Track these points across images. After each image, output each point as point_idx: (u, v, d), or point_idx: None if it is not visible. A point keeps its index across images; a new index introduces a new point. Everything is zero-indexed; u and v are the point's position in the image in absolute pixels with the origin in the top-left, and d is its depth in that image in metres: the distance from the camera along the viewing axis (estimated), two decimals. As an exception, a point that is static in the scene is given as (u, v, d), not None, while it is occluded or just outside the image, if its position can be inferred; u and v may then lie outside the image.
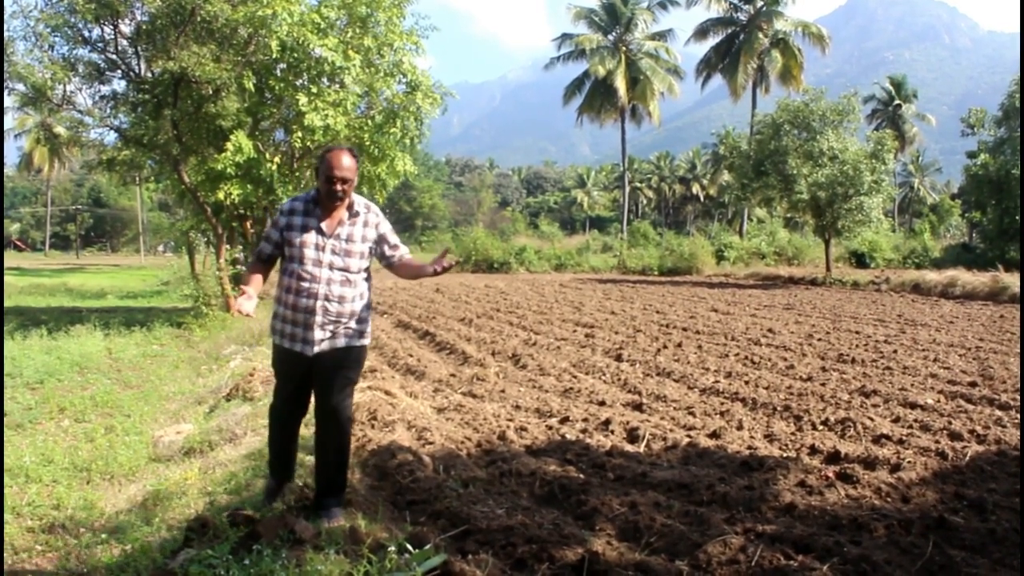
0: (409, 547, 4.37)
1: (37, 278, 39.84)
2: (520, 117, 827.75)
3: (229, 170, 17.35)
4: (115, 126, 19.61)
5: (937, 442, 7.16)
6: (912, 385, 10.00)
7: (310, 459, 5.79)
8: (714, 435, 7.70)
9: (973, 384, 9.99)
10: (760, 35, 54.06)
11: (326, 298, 4.84)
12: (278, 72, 18.59)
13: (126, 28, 18.26)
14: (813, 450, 7.06)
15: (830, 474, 6.13)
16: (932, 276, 28.05)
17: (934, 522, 5.02)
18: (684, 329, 16.22)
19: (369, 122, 18.68)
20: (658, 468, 6.49)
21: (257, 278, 5.05)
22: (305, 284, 4.83)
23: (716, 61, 56.75)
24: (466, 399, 9.63)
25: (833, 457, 6.81)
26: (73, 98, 18.97)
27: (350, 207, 4.96)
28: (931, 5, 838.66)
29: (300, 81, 18.46)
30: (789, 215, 43.69)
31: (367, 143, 18.45)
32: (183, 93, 18.03)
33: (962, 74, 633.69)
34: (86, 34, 17.80)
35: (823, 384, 10.18)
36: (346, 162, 4.83)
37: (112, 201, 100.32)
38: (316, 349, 4.88)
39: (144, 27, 17.90)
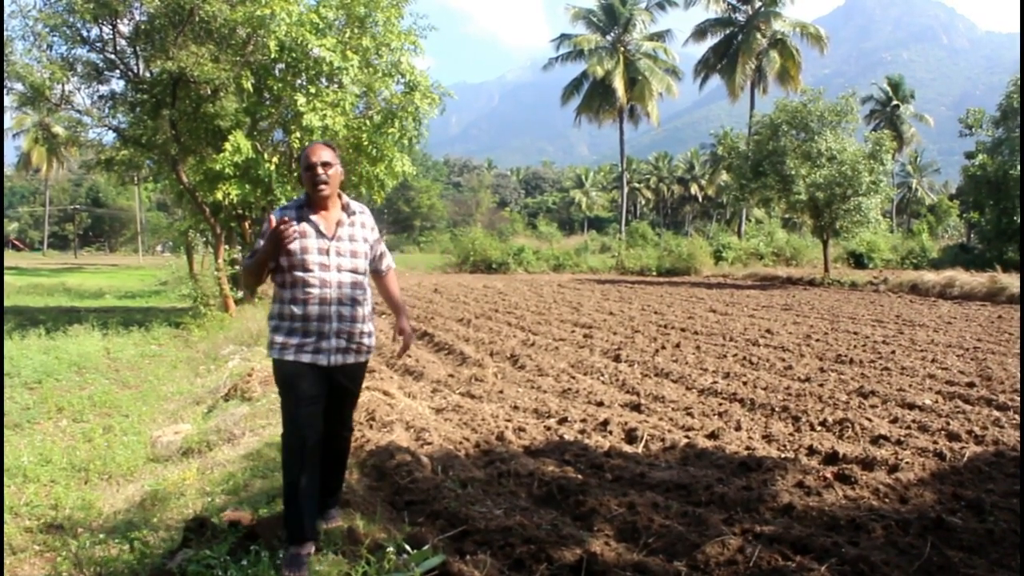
0: (407, 547, 4.38)
1: (35, 278, 39.82)
2: (518, 117, 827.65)
3: (227, 170, 17.35)
4: (113, 126, 19.61)
5: (935, 443, 7.17)
6: (910, 386, 10.01)
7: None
8: (712, 436, 7.70)
9: (971, 385, 10.00)
10: (758, 35, 54.08)
11: (339, 302, 4.55)
12: (276, 72, 18.59)
13: (125, 28, 18.27)
14: (811, 451, 7.07)
15: (828, 475, 6.13)
16: (930, 276, 28.07)
17: (932, 523, 5.02)
18: (682, 330, 16.22)
19: (367, 122, 18.67)
20: (656, 469, 6.49)
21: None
22: (315, 291, 4.48)
23: (714, 61, 56.76)
24: (464, 399, 9.63)
25: (831, 458, 6.81)
26: (71, 98, 18.97)
27: (346, 207, 4.72)
28: (929, 6, 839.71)
29: (298, 81, 18.46)
30: (787, 215, 43.74)
31: (365, 143, 18.45)
32: (181, 93, 18.03)
33: (960, 75, 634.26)
34: (85, 34, 17.80)
35: (821, 385, 10.19)
36: (322, 150, 4.62)
37: (110, 201, 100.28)
38: (332, 360, 4.54)
39: (143, 27, 17.90)
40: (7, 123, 65.06)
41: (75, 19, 17.18)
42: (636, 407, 9.15)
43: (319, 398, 4.57)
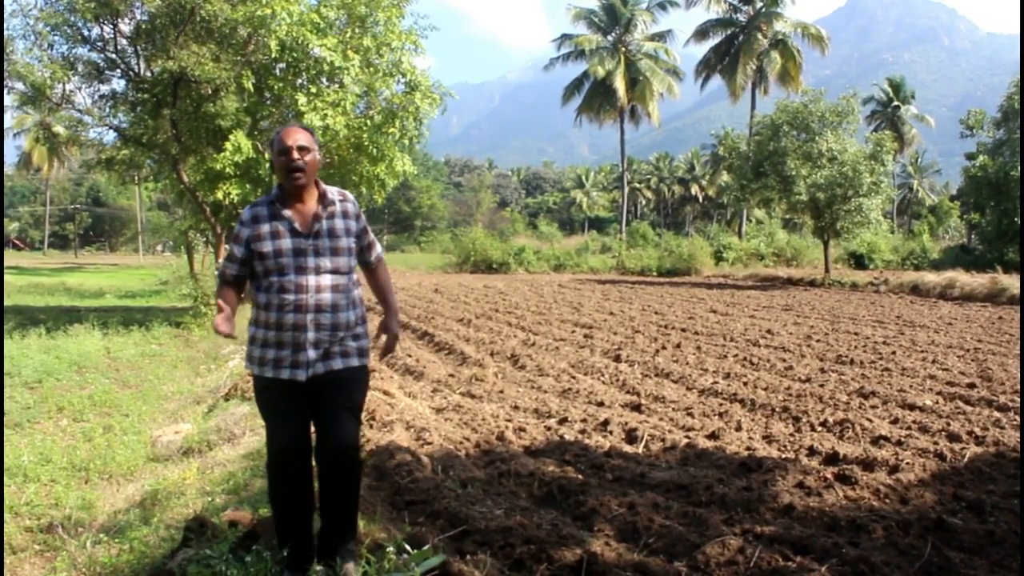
0: (408, 547, 4.37)
1: (36, 277, 39.82)
2: (519, 117, 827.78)
3: (228, 170, 17.35)
4: (114, 125, 19.63)
5: (936, 443, 7.17)
6: (911, 386, 10.01)
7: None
8: (713, 436, 7.70)
9: (972, 385, 10.00)
10: (759, 36, 54.08)
11: (317, 309, 4.01)
12: (277, 72, 18.59)
13: (126, 27, 18.29)
14: (812, 451, 7.07)
15: (828, 475, 6.13)
16: (931, 277, 28.08)
17: (932, 523, 5.02)
18: (683, 330, 16.22)
19: (368, 122, 18.67)
20: (657, 469, 6.49)
21: (230, 298, 4.22)
22: (290, 297, 3.98)
23: (715, 62, 56.77)
24: (465, 399, 9.63)
25: (832, 458, 6.81)
26: (72, 97, 19.01)
27: (322, 197, 4.15)
28: (930, 7, 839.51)
29: (299, 81, 18.47)
30: (788, 216, 43.75)
31: (366, 143, 18.45)
32: (182, 92, 18.04)
33: (961, 76, 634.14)
34: (85, 33, 17.82)
35: (822, 385, 10.19)
36: (298, 132, 4.12)
37: (111, 200, 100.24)
38: (309, 372, 4.01)
39: (144, 26, 17.92)
40: (8, 122, 65.13)
41: (76, 18, 17.20)
42: (636, 407, 9.15)
43: (303, 419, 4.13)
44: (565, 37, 57.96)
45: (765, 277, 37.19)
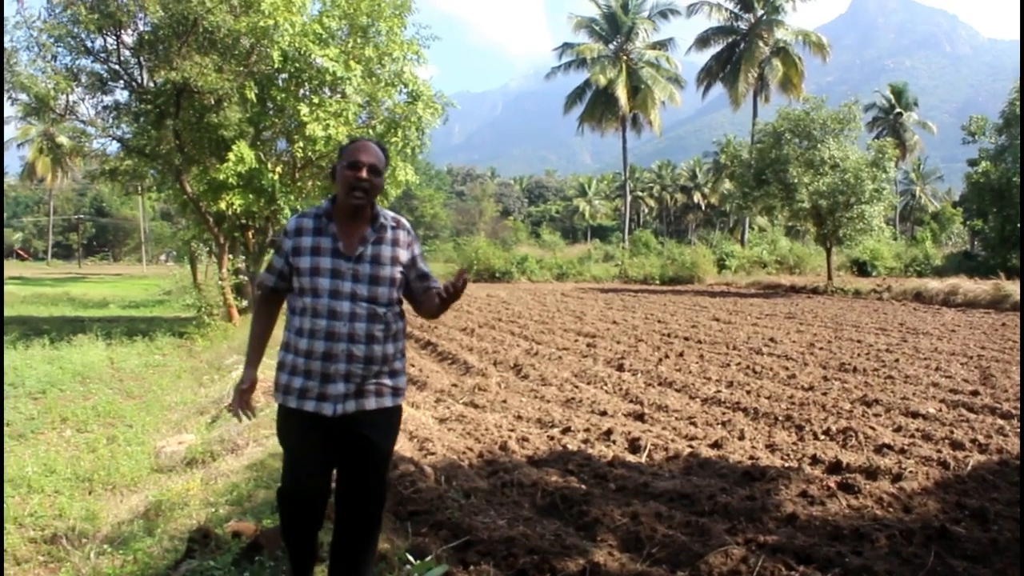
0: (411, 558, 4.39)
1: (39, 287, 39.90)
2: (521, 126, 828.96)
3: (231, 180, 17.39)
4: (117, 136, 19.70)
5: (939, 451, 7.16)
6: (914, 394, 10.00)
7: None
8: (716, 445, 7.70)
9: (975, 393, 9.98)
10: (761, 44, 54.11)
11: (351, 338, 3.66)
12: (280, 82, 18.65)
13: (129, 38, 18.38)
14: (815, 460, 7.06)
15: (832, 484, 6.13)
16: (934, 284, 28.05)
17: (936, 532, 5.02)
18: (686, 338, 16.21)
19: (370, 132, 18.73)
20: (660, 478, 6.49)
21: (263, 336, 4.00)
22: (323, 322, 3.66)
23: (717, 70, 56.80)
24: (468, 409, 9.63)
25: (835, 467, 6.81)
26: (76, 108, 19.08)
27: (373, 219, 3.81)
28: (931, 13, 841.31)
29: (302, 91, 18.54)
30: (790, 224, 43.72)
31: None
32: (185, 103, 18.10)
33: (963, 82, 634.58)
34: (89, 44, 17.90)
35: (825, 393, 10.18)
36: (375, 150, 3.79)
37: (114, 211, 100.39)
38: (338, 409, 3.67)
39: (147, 37, 17.99)
40: (12, 133, 65.19)
41: (79, 30, 17.28)
42: (640, 416, 9.15)
43: (324, 458, 3.82)
44: (567, 46, 58.02)
45: (768, 285, 37.16)
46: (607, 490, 6.26)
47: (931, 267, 41.42)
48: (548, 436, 8.14)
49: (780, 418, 8.81)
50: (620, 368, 12.56)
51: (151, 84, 18.66)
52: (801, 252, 48.47)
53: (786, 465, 6.92)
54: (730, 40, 56.34)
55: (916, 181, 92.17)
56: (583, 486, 6.30)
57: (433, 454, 7.09)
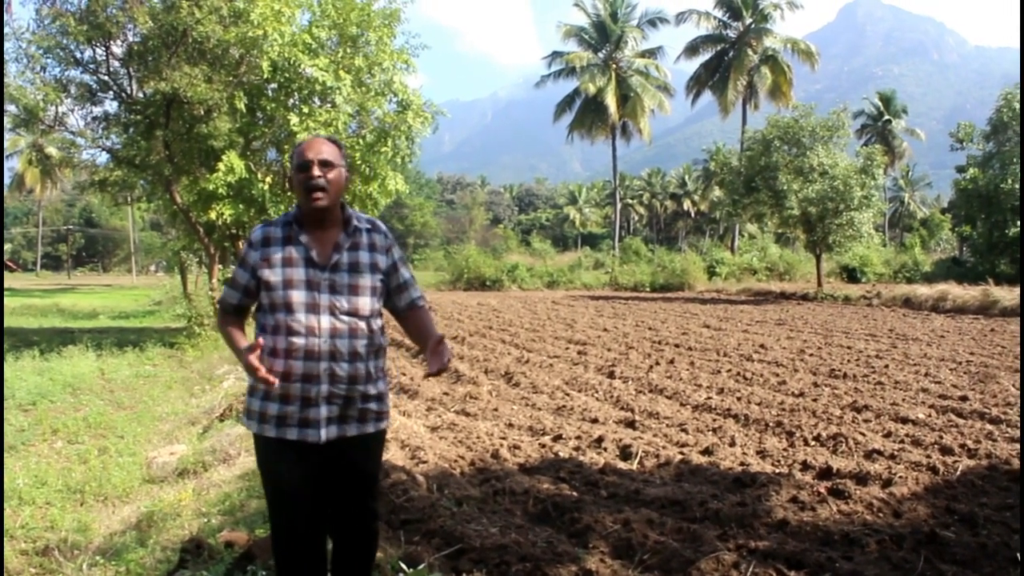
0: (404, 566, 4.40)
1: (29, 298, 39.76)
2: (511, 134, 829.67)
3: (221, 190, 17.38)
4: (107, 147, 19.67)
5: (928, 457, 7.20)
6: (903, 400, 10.04)
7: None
8: (707, 452, 7.72)
9: (964, 398, 10.03)
10: (749, 52, 54.37)
11: (332, 357, 3.34)
12: (269, 92, 18.65)
13: (118, 49, 18.37)
14: (805, 466, 7.09)
15: (822, 490, 6.16)
16: (923, 290, 28.16)
17: (925, 537, 5.04)
18: (676, 345, 16.25)
19: (360, 141, 18.73)
20: (651, 485, 6.51)
21: (237, 332, 3.56)
22: (299, 340, 3.32)
23: (706, 78, 57.00)
24: (459, 417, 9.64)
25: (825, 473, 6.84)
26: (65, 119, 19.06)
27: (346, 223, 3.50)
28: (919, 21, 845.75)
29: (291, 101, 18.53)
30: (780, 230, 43.88)
31: (358, 162, 18.49)
32: (175, 114, 18.09)
33: (950, 89, 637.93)
34: (78, 55, 17.88)
35: (815, 400, 10.22)
36: (322, 145, 3.46)
37: (104, 221, 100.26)
38: (325, 434, 3.36)
39: (136, 48, 17.99)
40: (0, 144, 65.03)
41: (68, 41, 17.27)
42: (631, 424, 9.17)
43: (314, 489, 3.48)
44: (556, 54, 58.19)
45: (758, 292, 37.24)
46: (598, 497, 6.27)
47: (920, 273, 41.55)
48: (539, 444, 8.15)
49: (771, 424, 8.84)
50: (611, 375, 12.58)
51: (140, 95, 18.65)
52: (791, 259, 48.64)
53: (777, 471, 6.95)
54: (719, 48, 56.60)
55: (905, 188, 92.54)
56: (575, 493, 6.31)
57: (425, 462, 7.11)
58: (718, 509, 5.73)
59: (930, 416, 9.08)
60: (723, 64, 55.99)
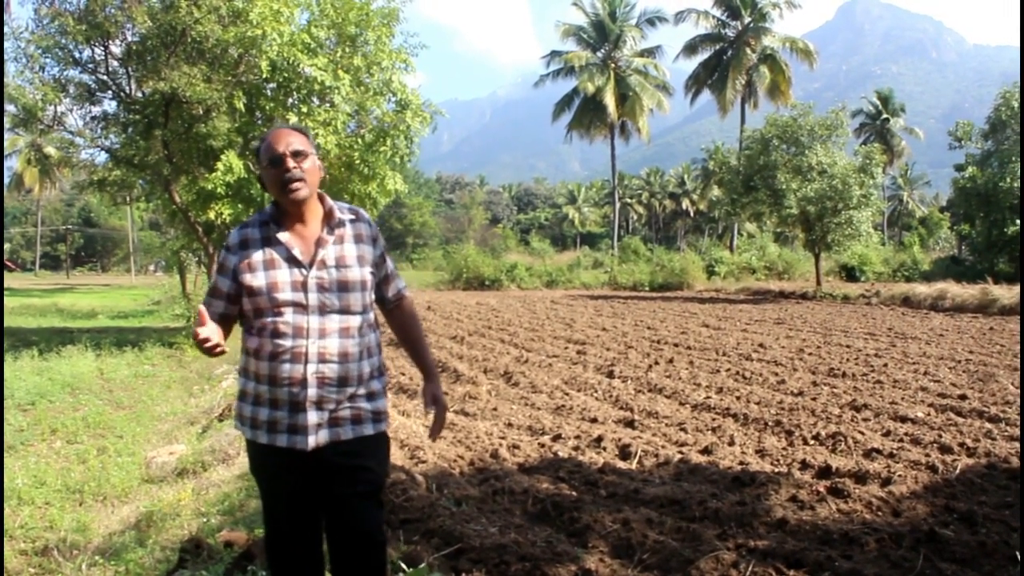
0: (403, 566, 4.40)
1: (27, 298, 39.73)
2: (510, 133, 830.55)
3: (220, 190, 17.36)
4: (106, 146, 19.65)
5: (927, 455, 7.20)
6: (903, 399, 10.04)
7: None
8: (706, 451, 7.72)
9: (963, 397, 10.03)
10: (748, 51, 54.39)
11: (321, 359, 3.17)
12: (268, 92, 18.63)
13: (117, 49, 18.36)
14: (804, 465, 7.09)
15: (821, 489, 6.16)
16: (922, 289, 28.15)
17: (925, 536, 5.04)
18: (675, 345, 16.25)
19: (359, 141, 18.72)
20: (650, 485, 6.51)
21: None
22: (286, 342, 3.15)
23: (705, 77, 57.03)
24: (458, 417, 9.64)
25: (824, 472, 6.84)
26: (64, 119, 19.06)
27: (329, 216, 3.32)
28: (917, 20, 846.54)
29: (290, 100, 18.51)
30: (779, 230, 43.87)
31: (357, 162, 18.49)
32: (174, 113, 18.08)
33: (949, 88, 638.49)
34: (77, 55, 17.86)
35: (814, 399, 10.22)
36: (290, 135, 3.29)
37: (103, 221, 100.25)
38: (316, 439, 3.18)
39: (135, 48, 17.97)
40: (-1, 144, 65.06)
41: (67, 41, 17.25)
42: (630, 423, 9.17)
43: (309, 497, 3.32)
44: (555, 54, 58.19)
45: (757, 291, 37.23)
46: (598, 497, 6.27)
47: (919, 272, 41.58)
48: (539, 443, 8.15)
49: (770, 423, 8.85)
50: (610, 375, 12.58)
51: (139, 94, 18.64)
52: (790, 258, 48.65)
53: (776, 470, 6.95)
54: (718, 47, 56.65)
55: (903, 186, 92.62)
56: (574, 493, 6.31)
57: (424, 462, 7.11)
58: (717, 508, 5.73)
59: (929, 415, 9.08)
60: (722, 63, 56.01)
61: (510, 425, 9.21)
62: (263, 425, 3.22)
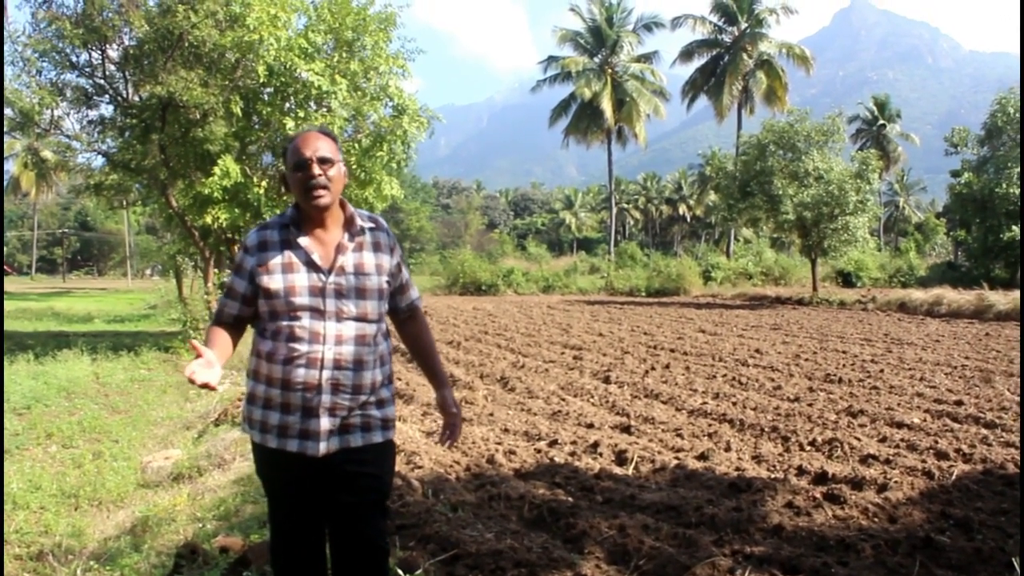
0: (400, 572, 4.39)
1: (23, 302, 39.68)
2: (507, 139, 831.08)
3: (216, 194, 17.35)
4: (102, 150, 19.63)
5: (923, 461, 7.21)
6: (899, 404, 10.05)
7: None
8: (702, 457, 7.72)
9: (959, 403, 10.04)
10: (745, 56, 54.47)
11: (336, 365, 3.15)
12: (265, 96, 18.63)
13: (114, 53, 18.32)
14: (800, 471, 7.09)
15: (817, 495, 6.16)
16: (918, 295, 28.21)
17: (921, 542, 5.05)
18: (672, 350, 16.25)
19: (356, 146, 18.72)
20: (646, 490, 6.50)
21: (220, 341, 3.29)
22: (302, 347, 3.13)
23: (701, 82, 57.14)
24: (455, 422, 9.61)
25: (820, 478, 6.84)
26: (61, 123, 19.02)
27: (349, 223, 3.30)
28: (913, 26, 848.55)
29: (287, 105, 18.51)
30: (775, 235, 43.95)
31: (354, 167, 18.49)
32: (171, 117, 18.07)
33: (945, 94, 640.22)
34: (74, 59, 17.84)
35: (810, 404, 10.23)
36: (319, 140, 3.25)
37: (99, 225, 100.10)
38: (326, 445, 3.17)
39: (132, 52, 17.96)
40: (-5, 148, 64.98)
41: (64, 44, 17.24)
42: (626, 429, 9.16)
43: (316, 502, 3.32)
44: (552, 59, 58.21)
45: (753, 296, 37.27)
46: (594, 502, 6.27)
47: (915, 278, 41.69)
48: (535, 449, 8.15)
49: (766, 429, 8.85)
50: (606, 380, 12.58)
51: (136, 98, 18.62)
52: (786, 263, 48.69)
53: (772, 476, 6.95)
54: (714, 53, 56.75)
55: (900, 192, 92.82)
56: (570, 499, 6.31)
57: (420, 467, 7.09)
58: (714, 514, 5.73)
59: (925, 421, 9.09)
60: (719, 69, 56.12)
61: (506, 431, 9.20)
62: (273, 429, 3.20)
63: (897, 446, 7.97)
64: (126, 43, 18.13)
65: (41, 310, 33.85)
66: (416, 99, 19.17)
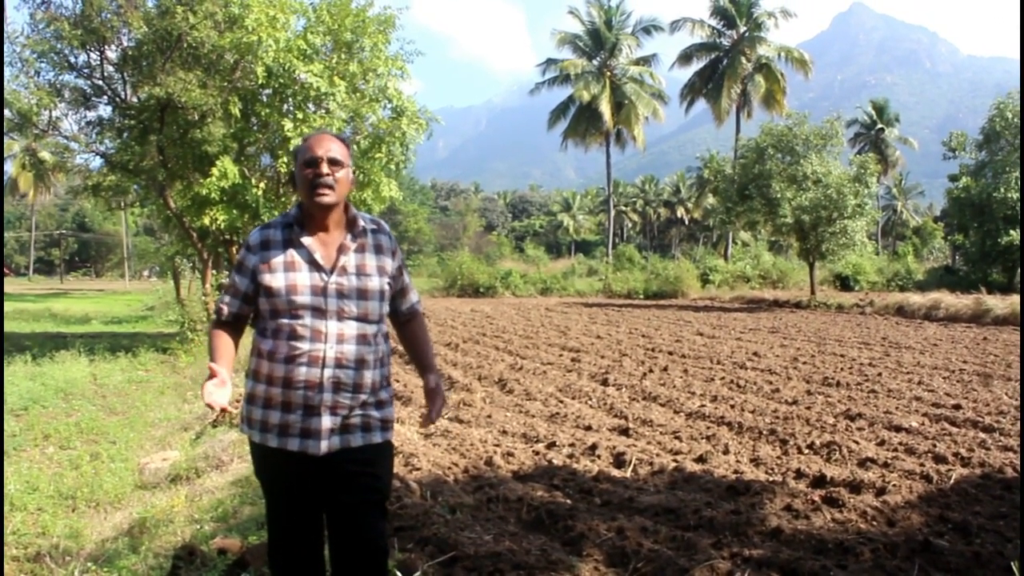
0: (398, 574, 4.38)
1: (21, 303, 39.64)
2: (505, 141, 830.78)
3: (215, 195, 17.34)
4: (100, 151, 19.61)
5: (922, 465, 7.21)
6: (897, 408, 10.05)
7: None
8: (700, 459, 7.72)
9: (957, 407, 10.05)
10: (743, 60, 54.55)
11: (338, 364, 3.18)
12: (264, 98, 18.62)
13: (112, 54, 18.31)
14: (799, 474, 7.09)
15: (816, 498, 6.15)
16: (916, 299, 28.21)
17: (919, 545, 5.04)
18: (670, 353, 16.25)
19: (355, 147, 18.72)
20: (645, 493, 6.50)
21: (226, 348, 3.36)
22: (304, 346, 3.16)
23: (700, 86, 57.20)
24: (453, 424, 9.62)
25: (819, 481, 6.84)
26: (59, 124, 18.99)
27: (352, 224, 3.37)
28: (912, 30, 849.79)
29: (286, 107, 18.50)
30: (773, 238, 44.04)
31: (353, 168, 18.49)
32: (169, 119, 18.06)
33: (943, 98, 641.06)
34: (72, 60, 17.82)
35: (808, 408, 10.22)
36: (331, 142, 3.35)
37: (97, 226, 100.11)
38: (327, 444, 3.19)
39: (130, 53, 17.95)
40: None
41: (63, 45, 17.22)
42: (624, 431, 9.16)
43: (315, 502, 3.33)
44: (550, 62, 58.23)
45: (751, 299, 37.28)
46: (592, 505, 6.26)
47: (913, 281, 41.67)
48: (533, 451, 8.14)
49: (764, 432, 8.85)
50: (605, 383, 12.58)
51: (135, 99, 18.61)
52: (784, 267, 48.69)
53: (770, 479, 6.94)
54: (713, 56, 56.83)
55: (898, 196, 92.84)
56: (568, 501, 6.30)
57: (418, 469, 7.09)
58: (712, 517, 5.72)
59: (923, 424, 9.09)
60: (717, 72, 56.19)
61: (504, 432, 9.19)
62: (274, 429, 3.21)
63: (895, 450, 7.97)
64: (124, 44, 18.13)
65: (39, 311, 33.81)
66: (415, 101, 19.17)
